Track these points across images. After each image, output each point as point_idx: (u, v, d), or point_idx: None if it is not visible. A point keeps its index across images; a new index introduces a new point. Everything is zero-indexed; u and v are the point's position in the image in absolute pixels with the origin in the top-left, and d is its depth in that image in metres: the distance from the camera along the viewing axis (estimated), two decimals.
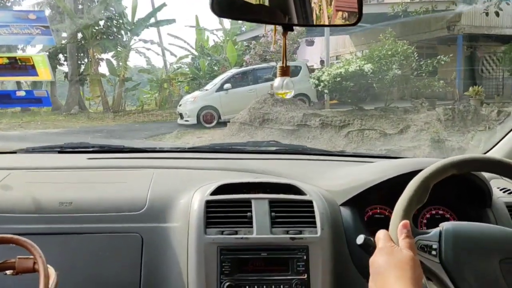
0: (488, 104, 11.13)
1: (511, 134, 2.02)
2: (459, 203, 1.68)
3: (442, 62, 12.35)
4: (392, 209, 1.17)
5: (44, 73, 1.75)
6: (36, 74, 1.75)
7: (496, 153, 2.03)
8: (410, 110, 11.65)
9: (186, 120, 14.09)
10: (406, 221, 1.10)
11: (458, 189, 1.64)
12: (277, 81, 1.27)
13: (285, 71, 1.26)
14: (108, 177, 1.86)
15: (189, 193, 1.65)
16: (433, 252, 1.08)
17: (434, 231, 1.11)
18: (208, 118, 14.12)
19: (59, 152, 2.16)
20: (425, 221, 1.68)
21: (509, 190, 1.83)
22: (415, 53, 12.50)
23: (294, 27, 1.26)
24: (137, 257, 1.52)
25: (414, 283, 0.96)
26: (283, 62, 1.26)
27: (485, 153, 2.09)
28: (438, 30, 14.92)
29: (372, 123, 10.73)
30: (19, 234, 1.08)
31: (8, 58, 1.72)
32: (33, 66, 1.73)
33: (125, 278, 1.50)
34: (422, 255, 1.07)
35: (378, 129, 10.31)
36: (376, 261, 1.04)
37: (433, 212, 1.69)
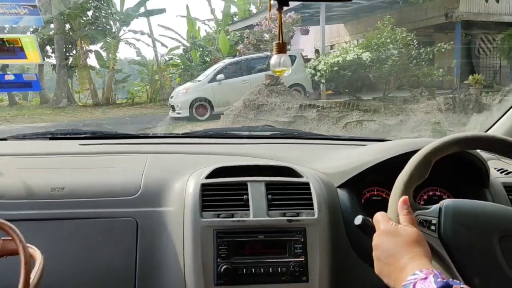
0: (487, 93, 11.15)
1: (508, 114, 2.04)
2: (457, 184, 1.70)
3: (443, 50, 12.36)
4: (390, 191, 1.18)
5: (33, 55, 1.75)
6: (24, 57, 1.74)
7: (494, 133, 2.05)
8: (409, 100, 11.66)
9: (178, 113, 14.06)
10: (406, 197, 1.11)
11: (456, 170, 1.66)
12: (274, 58, 1.28)
13: (282, 48, 1.27)
14: (100, 163, 1.86)
15: (184, 177, 1.66)
16: (432, 227, 1.09)
17: (434, 207, 1.12)
18: (201, 110, 14.10)
19: (50, 138, 2.17)
20: (422, 202, 1.70)
21: (507, 170, 1.86)
22: (415, 41, 12.51)
23: (289, 2, 1.26)
24: (132, 242, 1.53)
25: (427, 258, 0.98)
26: (279, 39, 1.27)
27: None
28: (435, 17, 14.93)
29: (370, 114, 10.72)
30: (10, 220, 1.06)
31: None
32: (21, 48, 1.72)
33: (120, 264, 1.51)
34: (421, 230, 1.08)
35: (377, 120, 10.28)
36: (382, 243, 1.06)
37: (431, 193, 1.71)
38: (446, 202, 1.12)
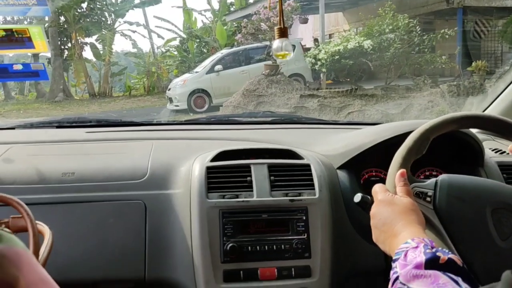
0: (490, 80, 11.11)
1: (502, 96, 2.13)
2: (453, 163, 1.79)
3: (447, 36, 12.33)
4: (388, 171, 1.26)
5: (40, 45, 1.83)
6: (33, 47, 1.82)
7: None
8: (412, 88, 11.60)
9: (176, 105, 14.00)
10: (404, 170, 1.20)
11: (452, 150, 1.75)
12: (276, 42, 1.36)
13: (283, 32, 1.34)
14: (108, 149, 1.95)
15: (189, 160, 1.75)
16: (428, 199, 1.17)
17: (430, 180, 1.20)
18: (199, 102, 14.06)
19: (57, 127, 2.26)
20: None
21: (501, 150, 1.96)
22: (417, 27, 12.47)
23: None
24: (141, 223, 1.62)
25: (421, 226, 1.07)
26: (280, 24, 1.35)
27: None
28: (436, 3, 14.86)
29: (373, 103, 10.70)
30: None
31: (5, 30, 1.78)
32: (29, 39, 1.80)
33: (130, 244, 1.61)
34: (417, 201, 1.16)
35: (379, 109, 10.28)
36: (378, 212, 1.15)
37: (427, 173, 1.80)
38: (442, 176, 1.20)
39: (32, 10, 1.79)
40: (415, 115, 9.79)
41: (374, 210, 1.18)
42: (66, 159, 1.83)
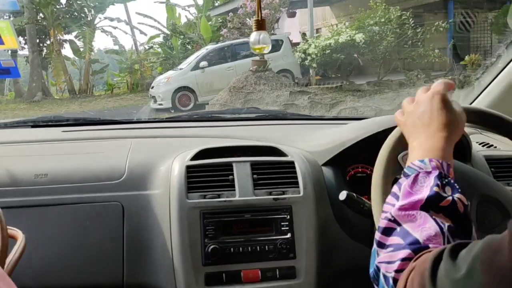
0: (477, 73, 11.11)
1: (489, 88, 2.14)
2: None
3: (441, 29, 12.39)
4: (373, 167, 1.26)
5: (10, 40, 1.80)
6: (1, 42, 1.80)
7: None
8: (405, 83, 11.68)
9: (160, 104, 14.01)
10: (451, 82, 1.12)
11: None
12: (253, 35, 1.35)
13: (261, 25, 1.34)
14: (84, 148, 1.94)
15: (169, 159, 1.74)
16: None
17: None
18: (184, 100, 14.08)
19: (32, 126, 2.24)
20: None
21: (488, 144, 1.98)
22: (411, 20, 12.49)
23: None
24: (119, 225, 1.61)
25: (450, 146, 1.02)
26: (257, 15, 1.34)
27: None
28: None
29: (365, 99, 10.73)
30: None
31: None
32: None
33: (107, 247, 1.59)
34: None
35: (372, 105, 10.28)
36: (420, 104, 1.07)
37: None
38: None
39: None
40: None
41: (416, 99, 1.09)
42: (39, 160, 1.81)
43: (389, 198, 0.96)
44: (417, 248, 0.83)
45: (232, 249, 1.54)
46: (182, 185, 1.60)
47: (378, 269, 0.87)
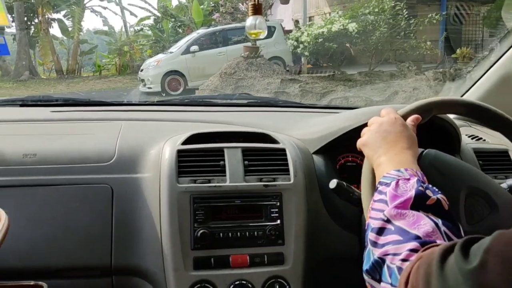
0: (468, 66, 11.13)
1: (480, 81, 2.17)
2: (430, 148, 1.83)
3: (434, 21, 12.41)
4: (364, 157, 1.28)
5: (0, 17, 1.79)
6: None
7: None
8: (396, 75, 11.69)
9: (149, 87, 13.92)
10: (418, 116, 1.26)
11: (428, 136, 1.78)
12: (249, 20, 1.36)
13: (257, 9, 1.34)
14: (73, 129, 1.93)
15: (160, 143, 1.74)
16: None
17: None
18: (174, 84, 13.99)
19: (21, 105, 2.23)
20: None
21: (477, 136, 2.01)
22: (404, 10, 12.51)
23: None
24: (107, 208, 1.61)
25: (415, 162, 1.10)
26: None
27: None
28: None
29: (356, 90, 10.73)
30: None
31: None
32: None
33: (96, 230, 1.60)
34: None
35: (363, 96, 10.28)
36: (385, 123, 1.19)
37: None
38: (429, 150, 1.26)
39: None
40: (400, 102, 9.82)
41: (379, 121, 1.22)
42: (28, 140, 1.80)
43: (375, 204, 1.00)
44: (423, 242, 0.86)
45: (221, 234, 1.56)
46: (172, 169, 1.60)
47: (382, 261, 0.90)
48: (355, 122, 1.72)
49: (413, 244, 0.86)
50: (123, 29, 22.53)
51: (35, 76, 18.92)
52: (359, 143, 1.23)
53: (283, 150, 1.71)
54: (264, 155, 1.70)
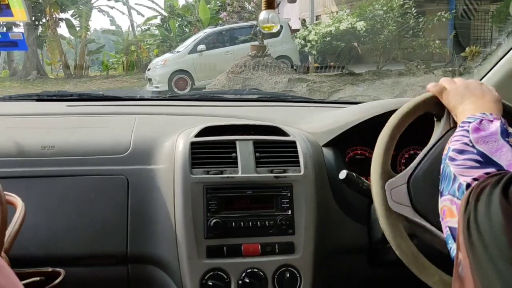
0: (481, 65, 11.06)
1: (488, 76, 2.19)
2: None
3: (443, 19, 12.37)
4: (373, 149, 1.32)
5: (19, 13, 1.83)
6: (11, 15, 1.83)
7: None
8: (404, 73, 11.65)
9: (156, 87, 13.94)
10: None
11: (432, 130, 1.82)
12: (263, 14, 1.39)
13: (271, 4, 1.38)
14: (89, 123, 1.98)
15: (173, 136, 1.78)
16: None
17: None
18: (181, 84, 14.02)
19: (37, 100, 2.28)
20: (403, 160, 1.86)
21: None
22: (413, 9, 12.48)
23: None
24: (123, 198, 1.65)
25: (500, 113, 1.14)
26: None
27: None
28: None
29: (364, 89, 10.72)
30: (1, 178, 1.16)
31: None
32: (7, 6, 1.80)
33: (112, 220, 1.64)
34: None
35: (371, 95, 10.23)
36: (474, 83, 1.25)
37: (412, 152, 1.87)
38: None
39: None
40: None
41: (463, 81, 1.27)
42: (46, 132, 1.85)
43: (456, 137, 1.05)
44: (501, 169, 0.91)
45: (233, 223, 1.59)
46: (186, 161, 1.64)
47: (454, 176, 0.96)
48: (363, 115, 1.76)
49: (491, 170, 0.90)
50: (130, 29, 22.67)
51: (43, 75, 19.00)
52: (436, 89, 1.29)
53: (294, 142, 1.75)
54: (275, 147, 1.73)
